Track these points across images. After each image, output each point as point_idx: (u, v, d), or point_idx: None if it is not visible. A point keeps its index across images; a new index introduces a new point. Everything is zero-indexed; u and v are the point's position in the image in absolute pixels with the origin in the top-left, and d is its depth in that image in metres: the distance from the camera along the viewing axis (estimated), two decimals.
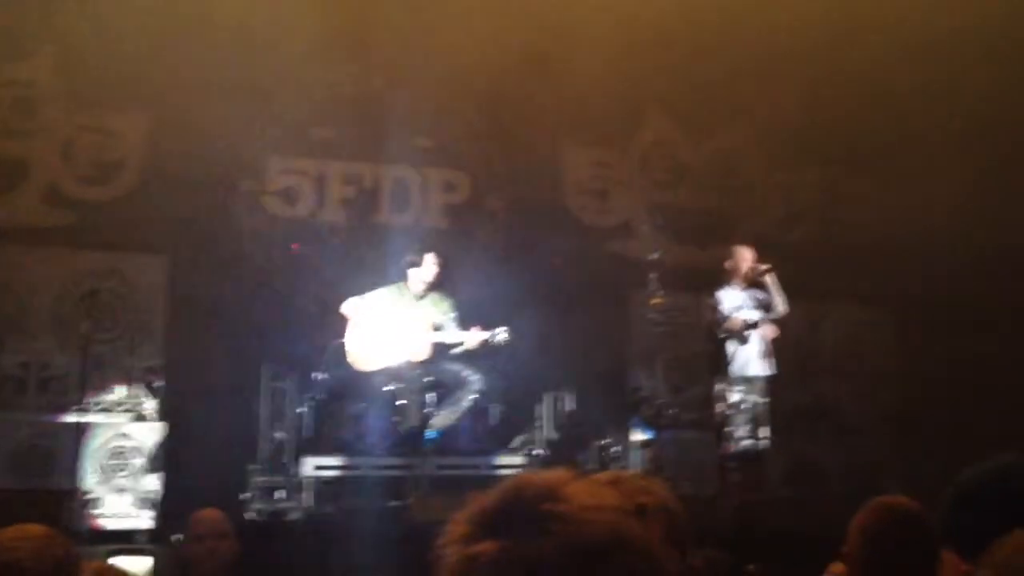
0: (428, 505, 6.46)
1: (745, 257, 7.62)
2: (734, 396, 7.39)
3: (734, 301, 7.59)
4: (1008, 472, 2.07)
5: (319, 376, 7.55)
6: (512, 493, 1.01)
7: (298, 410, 7.50)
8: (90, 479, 7.43)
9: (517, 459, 7.57)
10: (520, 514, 0.98)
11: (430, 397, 7.32)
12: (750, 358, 7.53)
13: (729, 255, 7.81)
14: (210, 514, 4.84)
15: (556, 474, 1.03)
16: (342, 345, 7.50)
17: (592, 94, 8.91)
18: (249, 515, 6.87)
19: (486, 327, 7.36)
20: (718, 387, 7.43)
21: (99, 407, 7.81)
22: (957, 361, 8.38)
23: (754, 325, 7.53)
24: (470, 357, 7.51)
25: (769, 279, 7.52)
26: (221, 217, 8.40)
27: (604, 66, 8.80)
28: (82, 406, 6.79)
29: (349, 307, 7.52)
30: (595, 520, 0.97)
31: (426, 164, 9.35)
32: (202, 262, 7.92)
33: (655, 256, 7.54)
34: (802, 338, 8.91)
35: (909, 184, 8.90)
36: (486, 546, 0.97)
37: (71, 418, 7.27)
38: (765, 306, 7.59)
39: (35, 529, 1.73)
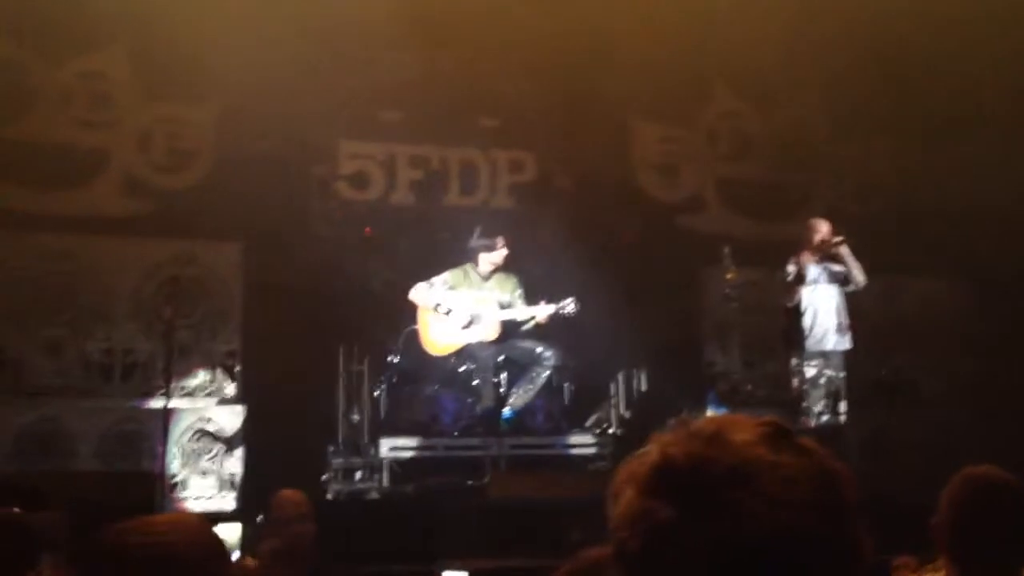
0: (505, 483, 6.52)
1: (820, 229, 7.49)
2: (810, 371, 7.29)
3: (809, 274, 7.46)
4: None
5: (394, 359, 7.65)
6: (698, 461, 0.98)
7: (375, 393, 7.60)
8: (175, 463, 7.62)
9: (591, 438, 7.59)
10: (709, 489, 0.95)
11: (504, 376, 7.37)
12: (827, 332, 7.41)
13: (803, 228, 7.68)
14: (291, 495, 4.93)
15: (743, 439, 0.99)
16: (414, 331, 7.57)
17: (658, 69, 8.83)
18: (329, 495, 7.00)
19: (553, 302, 7.37)
20: (794, 362, 7.33)
21: (182, 392, 8.01)
22: None
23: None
24: (542, 334, 7.52)
25: (844, 251, 7.38)
26: (294, 202, 8.52)
27: (669, 40, 8.73)
28: (166, 391, 6.94)
29: (416, 293, 7.58)
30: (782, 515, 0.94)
31: (493, 145, 9.37)
32: (276, 247, 8.03)
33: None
34: (879, 311, 8.76)
35: (985, 153, 8.68)
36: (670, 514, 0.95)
37: (156, 403, 7.45)
38: (842, 279, 7.45)
39: (188, 516, 1.79)
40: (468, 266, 7.69)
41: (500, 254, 7.62)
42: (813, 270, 7.45)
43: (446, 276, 7.64)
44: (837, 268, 7.47)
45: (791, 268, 7.43)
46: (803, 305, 7.39)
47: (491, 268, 7.65)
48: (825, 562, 0.94)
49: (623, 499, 1.01)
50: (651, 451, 1.01)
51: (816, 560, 0.93)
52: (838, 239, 7.33)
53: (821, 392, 7.29)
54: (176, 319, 7.09)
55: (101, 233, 8.29)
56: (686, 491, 0.95)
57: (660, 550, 0.94)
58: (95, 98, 8.49)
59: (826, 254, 7.42)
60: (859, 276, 7.43)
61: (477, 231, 7.71)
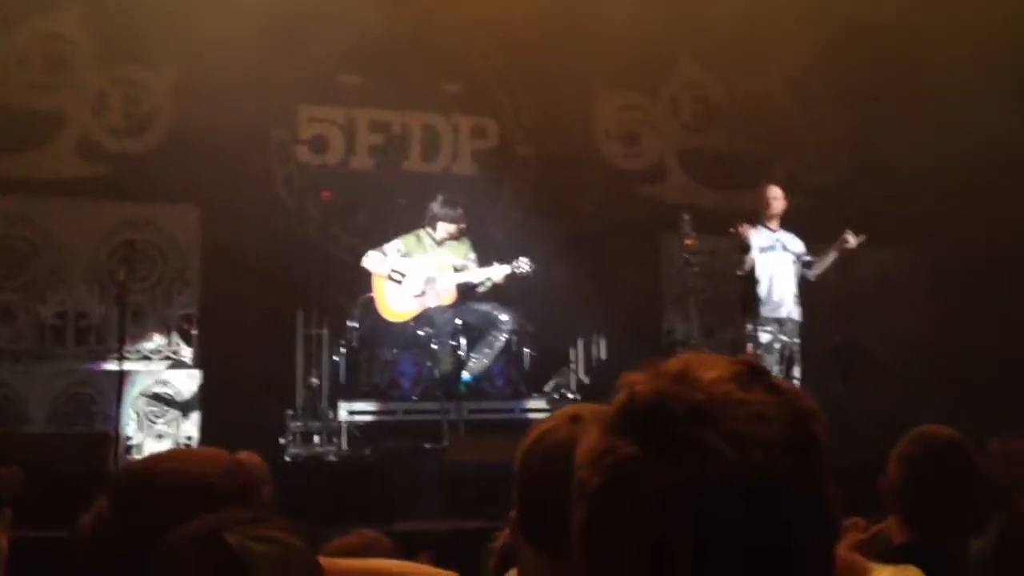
0: (463, 447, 6.54)
1: (775, 195, 7.56)
2: (765, 336, 7.37)
3: (761, 241, 7.54)
4: None
5: (353, 324, 7.63)
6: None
7: (333, 357, 7.58)
8: (130, 426, 7.57)
9: (549, 403, 7.62)
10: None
11: (463, 341, 7.38)
12: (784, 299, 7.49)
13: (759, 195, 7.74)
14: (246, 458, 4.88)
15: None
16: (370, 299, 7.55)
17: (621, 37, 8.80)
18: (287, 459, 6.98)
19: (506, 262, 7.38)
20: (748, 328, 7.41)
21: (138, 355, 7.94)
22: (991, 302, 8.31)
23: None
24: (503, 299, 7.53)
25: (835, 250, 7.49)
26: (252, 166, 8.43)
27: (633, 9, 8.71)
28: (120, 354, 6.88)
29: (369, 261, 7.55)
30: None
31: (455, 111, 9.32)
32: (235, 211, 7.95)
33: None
34: (836, 280, 8.84)
35: (942, 124, 8.76)
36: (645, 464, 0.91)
37: (110, 366, 7.37)
38: (804, 261, 7.57)
39: (221, 452, 1.78)
40: (421, 231, 7.67)
41: (458, 224, 7.61)
42: (763, 237, 7.53)
43: (398, 243, 7.62)
44: (800, 248, 7.58)
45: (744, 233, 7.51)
46: (758, 272, 7.46)
47: (446, 235, 7.64)
48: (795, 504, 0.90)
49: (587, 438, 0.98)
50: (620, 392, 0.98)
51: (786, 501, 0.89)
52: (855, 240, 7.41)
53: (775, 358, 7.37)
54: (131, 282, 7.01)
55: (57, 196, 8.17)
56: (649, 428, 0.92)
57: (621, 487, 0.91)
58: (50, 60, 8.34)
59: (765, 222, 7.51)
60: (818, 272, 7.57)
61: (440, 198, 7.69)
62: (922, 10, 8.56)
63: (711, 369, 0.95)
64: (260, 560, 1.28)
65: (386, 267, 7.49)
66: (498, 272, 7.39)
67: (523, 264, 7.31)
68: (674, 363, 0.97)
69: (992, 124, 8.10)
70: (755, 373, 0.96)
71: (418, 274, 7.49)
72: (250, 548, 1.28)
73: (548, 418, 1.72)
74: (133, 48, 8.34)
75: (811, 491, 0.92)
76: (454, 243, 7.68)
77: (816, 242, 7.78)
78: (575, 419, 1.61)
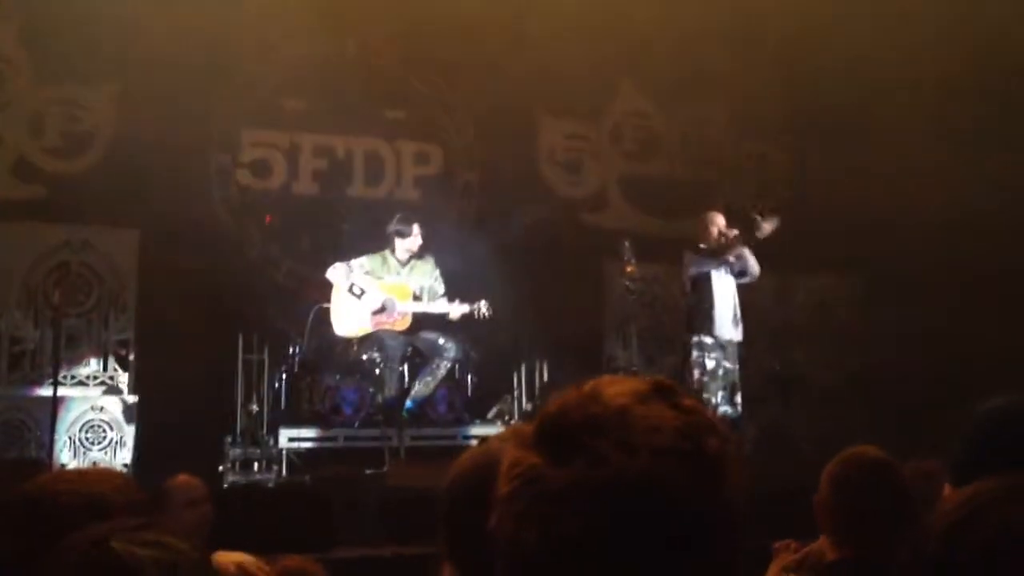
0: (404, 472, 6.50)
1: (715, 222, 7.65)
2: (709, 363, 7.44)
3: (703, 265, 7.62)
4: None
5: (295, 348, 7.58)
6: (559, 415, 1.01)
7: (275, 384, 7.51)
8: (64, 452, 7.41)
9: (492, 429, 7.62)
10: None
11: (406, 367, 7.36)
12: (724, 322, 7.57)
13: (700, 223, 7.83)
14: (184, 480, 4.81)
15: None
16: (325, 310, 7.52)
17: (564, 65, 8.92)
18: (225, 487, 6.88)
19: (464, 299, 7.41)
20: (695, 354, 7.47)
21: (73, 381, 7.79)
22: (927, 328, 8.48)
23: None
24: (447, 326, 7.54)
25: (740, 243, 7.53)
26: (193, 189, 8.35)
27: (576, 37, 8.82)
28: (55, 380, 6.74)
29: (333, 272, 7.52)
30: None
31: (398, 136, 9.34)
32: (174, 234, 7.85)
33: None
34: (773, 308, 9.00)
35: (880, 153, 8.98)
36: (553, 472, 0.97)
37: (44, 392, 7.22)
38: (738, 271, 7.60)
39: (114, 471, 1.83)
40: (387, 252, 7.68)
41: (415, 240, 7.63)
42: (709, 262, 7.61)
43: (363, 260, 7.62)
44: (734, 261, 7.62)
45: (688, 257, 7.58)
46: (703, 296, 7.54)
47: (407, 255, 7.64)
48: (687, 511, 0.95)
49: (506, 455, 1.04)
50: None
51: (676, 508, 0.94)
52: (733, 232, 7.48)
53: (719, 384, 7.44)
54: (66, 306, 6.89)
55: None
56: (551, 439, 0.99)
57: (523, 493, 0.97)
58: None
59: (723, 250, 7.55)
60: (755, 268, 7.59)
61: (397, 216, 7.72)
62: (866, 38, 8.77)
63: (617, 387, 1.02)
64: (146, 564, 1.29)
65: (348, 280, 7.47)
66: (457, 311, 7.40)
67: (483, 307, 7.36)
68: (589, 383, 1.04)
69: (928, 154, 8.33)
70: (660, 391, 1.02)
71: (378, 292, 7.47)
72: (135, 553, 1.30)
73: (483, 441, 1.74)
74: (71, 67, 8.25)
75: (703, 498, 0.96)
76: (418, 263, 7.69)
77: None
78: (505, 439, 1.62)
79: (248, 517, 5.87)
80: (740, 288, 7.63)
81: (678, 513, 0.95)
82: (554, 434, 0.99)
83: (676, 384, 1.05)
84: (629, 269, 7.47)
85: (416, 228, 7.64)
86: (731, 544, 0.98)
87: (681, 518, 0.95)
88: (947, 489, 1.95)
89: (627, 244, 7.51)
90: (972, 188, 8.18)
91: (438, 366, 7.44)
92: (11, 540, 1.60)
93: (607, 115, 10.08)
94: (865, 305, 9.61)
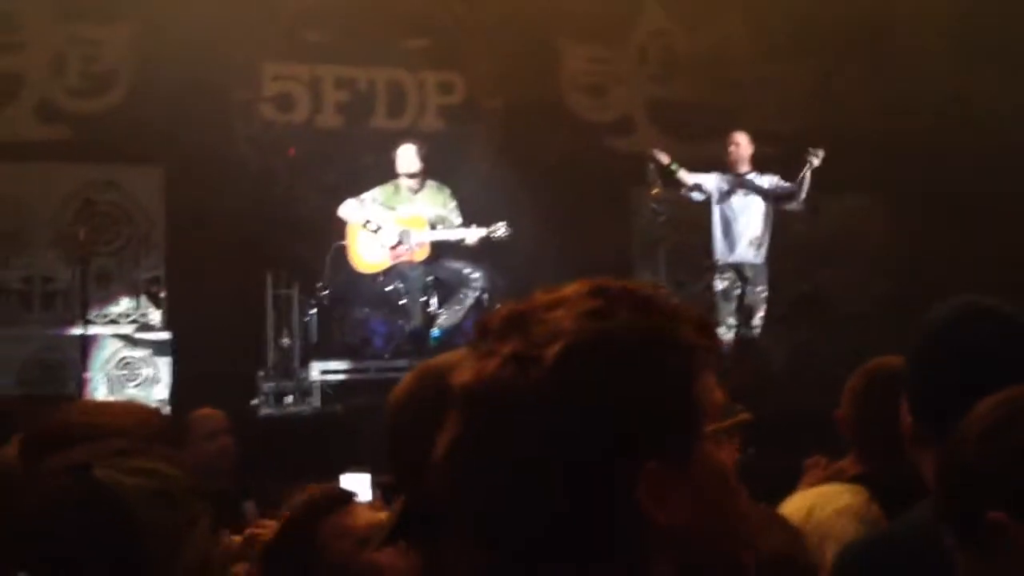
0: None
1: (739, 142, 7.58)
2: (720, 284, 7.43)
3: (722, 184, 7.60)
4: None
5: (323, 283, 7.61)
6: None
7: (304, 318, 7.56)
8: (100, 390, 7.52)
9: None
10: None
11: (433, 297, 7.37)
12: (738, 243, 7.55)
13: (725, 145, 7.77)
14: (203, 413, 4.86)
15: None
16: (341, 247, 7.52)
17: None
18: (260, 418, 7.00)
19: (484, 224, 7.37)
20: (709, 276, 7.45)
21: (106, 319, 7.88)
22: (952, 248, 8.37)
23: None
24: (471, 255, 7.53)
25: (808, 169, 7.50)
26: (216, 125, 8.33)
27: None
28: (88, 319, 6.83)
29: (346, 209, 7.51)
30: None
31: (420, 66, 9.24)
32: (199, 171, 7.87)
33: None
34: (800, 229, 8.88)
35: (903, 73, 8.79)
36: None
37: (77, 331, 7.32)
38: (785, 194, 7.58)
39: (137, 403, 1.79)
40: (399, 181, 7.63)
41: (410, 162, 7.53)
42: (724, 181, 7.57)
43: (376, 192, 7.60)
44: (771, 183, 7.57)
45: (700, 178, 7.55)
46: (714, 217, 7.53)
47: (413, 181, 7.57)
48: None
49: None
50: None
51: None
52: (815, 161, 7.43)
53: (732, 306, 7.41)
54: (93, 243, 6.94)
55: (17, 159, 8.05)
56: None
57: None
58: (6, 20, 8.16)
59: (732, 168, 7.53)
60: (804, 195, 7.59)
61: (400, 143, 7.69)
62: None
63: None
64: (131, 493, 1.22)
65: (362, 216, 7.46)
66: (474, 235, 7.36)
67: (500, 228, 7.30)
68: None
69: (952, 74, 8.16)
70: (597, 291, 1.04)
71: (394, 225, 7.46)
72: (120, 481, 1.22)
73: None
74: (90, 5, 8.20)
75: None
76: (433, 191, 7.64)
77: None
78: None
79: (284, 447, 5.98)
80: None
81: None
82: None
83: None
84: (655, 191, 7.40)
85: (409, 149, 7.55)
86: (545, 447, 0.97)
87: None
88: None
89: (652, 167, 7.43)
90: (998, 105, 8.01)
91: (465, 295, 7.44)
92: (28, 468, 1.58)
93: (631, 37, 9.90)
94: (892, 226, 9.48)
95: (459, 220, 7.59)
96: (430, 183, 7.67)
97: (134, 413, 1.74)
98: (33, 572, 1.18)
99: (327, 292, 7.59)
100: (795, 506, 2.51)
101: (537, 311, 1.00)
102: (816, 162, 7.46)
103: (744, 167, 7.70)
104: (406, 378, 1.60)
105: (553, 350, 0.97)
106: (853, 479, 2.56)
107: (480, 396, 0.97)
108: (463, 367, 1.00)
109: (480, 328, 1.03)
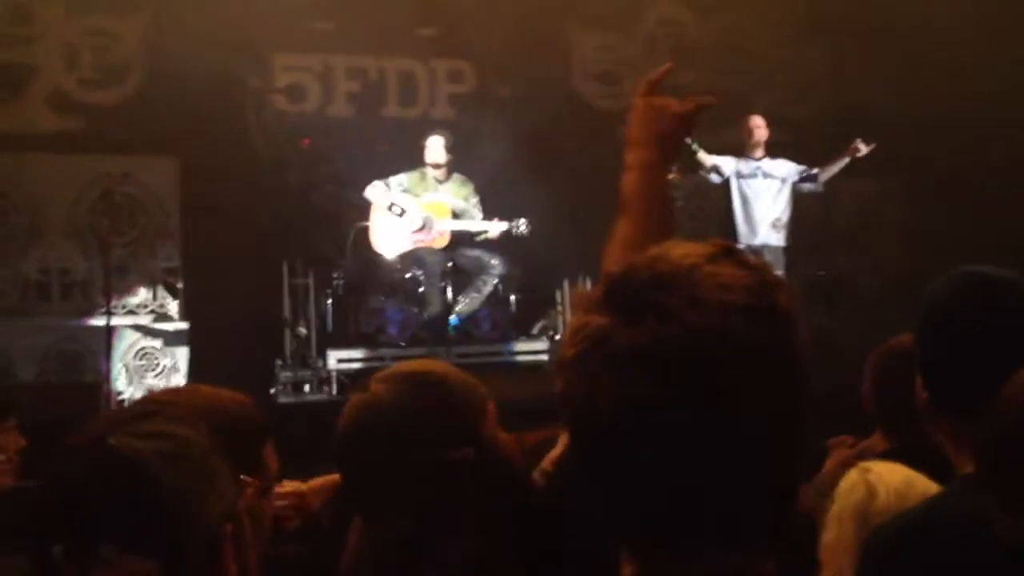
0: None
1: (757, 124, 7.61)
2: None
3: (740, 168, 7.62)
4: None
5: (339, 271, 7.64)
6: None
7: (321, 306, 7.59)
8: (120, 380, 7.57)
9: (538, 344, 7.67)
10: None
11: (451, 284, 7.40)
12: (758, 225, 7.57)
13: (740, 128, 7.79)
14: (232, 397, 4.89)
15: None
16: (365, 228, 7.56)
17: None
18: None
19: (504, 217, 7.41)
20: None
21: (124, 310, 7.93)
22: (968, 232, 8.34)
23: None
24: (490, 244, 7.55)
25: (848, 156, 7.57)
26: (230, 116, 8.35)
27: None
28: (106, 309, 6.87)
29: (372, 191, 7.55)
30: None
31: (430, 55, 9.24)
32: (214, 161, 7.90)
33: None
34: (817, 212, 8.88)
35: (917, 56, 8.75)
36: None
37: (96, 321, 7.36)
38: (809, 177, 7.62)
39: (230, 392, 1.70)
40: (426, 169, 7.67)
41: (438, 153, 7.60)
42: (743, 165, 7.60)
43: (402, 178, 7.64)
44: (787, 170, 7.63)
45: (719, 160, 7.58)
46: (733, 200, 7.56)
47: (439, 171, 7.62)
48: (754, 368, 0.93)
49: (570, 322, 1.03)
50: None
51: (743, 364, 0.92)
52: (862, 150, 7.46)
53: None
54: (112, 236, 6.97)
55: (32, 151, 8.08)
56: (616, 299, 0.96)
57: (592, 357, 0.94)
58: (16, 12, 8.19)
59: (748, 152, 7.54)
60: (826, 178, 7.67)
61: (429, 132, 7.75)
62: None
63: (685, 248, 0.99)
64: (149, 457, 1.22)
65: (387, 199, 7.49)
66: (496, 228, 7.42)
67: (521, 225, 7.36)
68: (655, 248, 1.01)
69: (965, 60, 8.13)
70: (728, 252, 0.99)
71: (418, 211, 7.49)
72: (137, 447, 1.22)
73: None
74: None
75: (776, 353, 0.95)
76: (458, 183, 7.70)
77: None
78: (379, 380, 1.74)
79: (303, 435, 5.99)
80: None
81: (751, 368, 0.93)
82: (621, 294, 0.96)
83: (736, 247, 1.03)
84: (671, 177, 7.39)
85: (437, 140, 7.61)
86: (802, 395, 0.98)
87: (755, 372, 0.93)
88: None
89: None
90: (1015, 88, 7.98)
91: (484, 283, 7.47)
92: None
93: (641, 25, 9.88)
94: (908, 209, 9.46)
95: (480, 215, 7.63)
96: (456, 176, 7.73)
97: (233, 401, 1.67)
98: (62, 541, 1.18)
99: (343, 279, 7.61)
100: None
101: (680, 272, 0.95)
102: (862, 152, 7.54)
103: (760, 151, 7.73)
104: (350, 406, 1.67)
105: (782, 299, 0.96)
106: (883, 455, 2.57)
107: (697, 345, 0.91)
108: (619, 335, 0.94)
109: (618, 283, 0.97)
